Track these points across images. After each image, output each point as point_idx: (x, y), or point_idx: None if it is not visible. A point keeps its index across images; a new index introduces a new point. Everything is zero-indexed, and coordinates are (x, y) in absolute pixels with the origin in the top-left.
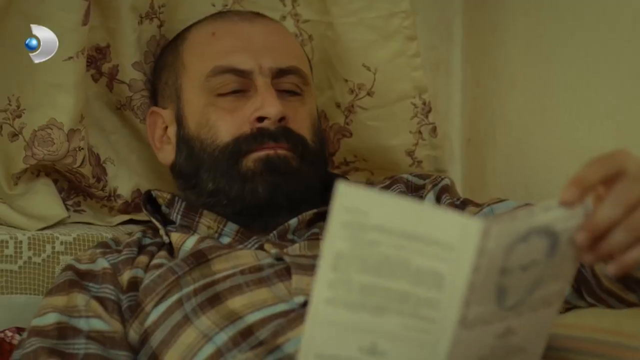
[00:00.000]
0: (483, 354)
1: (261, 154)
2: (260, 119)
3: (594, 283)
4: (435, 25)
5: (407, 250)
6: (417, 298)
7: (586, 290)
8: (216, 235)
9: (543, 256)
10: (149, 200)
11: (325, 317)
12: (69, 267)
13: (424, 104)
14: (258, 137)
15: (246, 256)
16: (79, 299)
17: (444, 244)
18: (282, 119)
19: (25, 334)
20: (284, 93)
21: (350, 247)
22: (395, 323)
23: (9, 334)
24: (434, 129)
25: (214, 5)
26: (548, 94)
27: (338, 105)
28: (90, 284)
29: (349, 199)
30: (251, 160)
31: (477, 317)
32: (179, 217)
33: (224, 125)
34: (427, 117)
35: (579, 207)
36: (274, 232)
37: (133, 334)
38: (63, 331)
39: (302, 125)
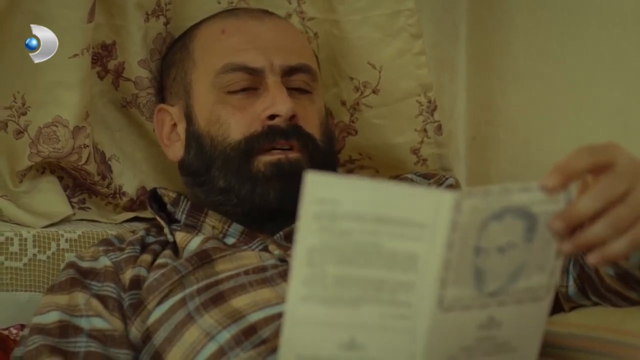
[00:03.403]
0: (466, 344)
1: (273, 158)
2: (272, 117)
3: (598, 282)
4: (440, 23)
5: (381, 235)
6: (394, 283)
7: (590, 288)
8: (221, 235)
9: (520, 239)
10: (154, 198)
11: (302, 316)
12: (71, 265)
13: (429, 102)
14: (270, 134)
15: (250, 257)
16: (80, 297)
17: (417, 223)
18: (292, 116)
19: (26, 331)
20: (293, 91)
21: (323, 239)
22: (373, 313)
23: (14, 331)
24: (439, 127)
25: (219, 3)
26: (553, 92)
27: (343, 103)
28: (93, 282)
29: (319, 189)
30: (262, 163)
31: (455, 299)
32: (183, 216)
33: (235, 122)
34: (432, 115)
35: (561, 193)
36: (281, 232)
37: (135, 332)
38: (65, 329)
39: (311, 123)
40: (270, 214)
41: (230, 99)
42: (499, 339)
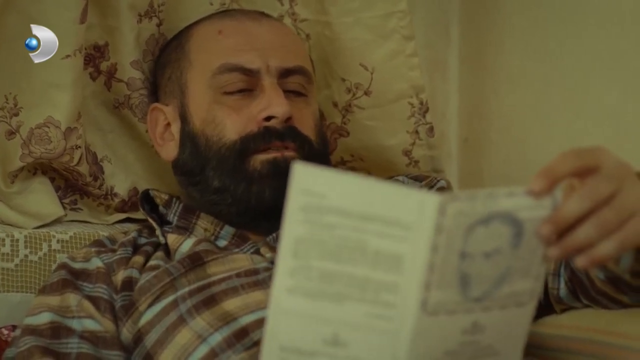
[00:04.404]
0: (450, 349)
1: (269, 156)
2: (268, 119)
3: (588, 285)
4: (433, 24)
5: (366, 233)
6: (377, 283)
7: (581, 291)
8: (212, 237)
9: (507, 245)
10: (146, 200)
11: (287, 307)
12: (63, 266)
13: (421, 103)
14: (265, 135)
15: (242, 260)
16: (72, 299)
17: (402, 223)
18: (288, 118)
19: (18, 332)
20: (289, 94)
21: (309, 231)
22: (356, 311)
23: (5, 332)
24: (431, 129)
25: (211, 4)
26: (546, 93)
27: (335, 105)
28: (85, 284)
29: (306, 180)
30: (259, 161)
31: (439, 303)
32: (175, 218)
33: (231, 123)
34: (424, 116)
35: (547, 198)
36: (274, 234)
37: (126, 333)
38: (56, 331)
39: (306, 125)
40: (264, 213)
41: (226, 99)
42: (483, 343)
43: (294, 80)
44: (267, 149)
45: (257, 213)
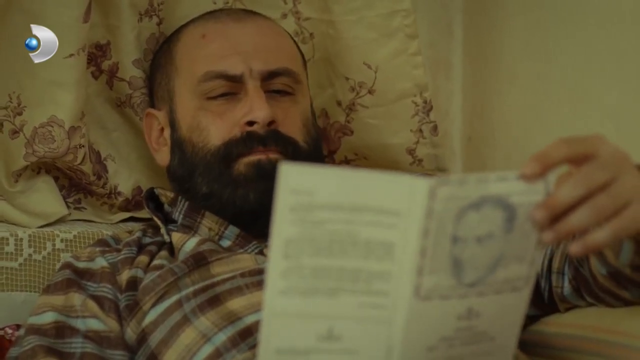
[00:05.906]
0: (445, 335)
1: (253, 158)
2: (250, 123)
3: (592, 281)
4: (436, 23)
5: (356, 224)
6: (370, 272)
7: (585, 289)
8: (217, 237)
9: (500, 230)
10: (151, 198)
11: (281, 309)
12: (67, 265)
13: (425, 102)
14: (247, 141)
15: (246, 260)
16: (76, 298)
17: (392, 211)
18: (271, 122)
19: (22, 331)
20: (274, 94)
21: (299, 230)
22: (350, 303)
23: (9, 331)
24: (435, 128)
25: (215, 3)
26: (548, 92)
27: (339, 104)
28: (89, 283)
29: (294, 180)
30: (243, 164)
31: (432, 288)
32: (180, 216)
33: (215, 129)
34: (427, 115)
35: (540, 183)
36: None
37: (130, 333)
38: (61, 330)
39: (293, 126)
40: (253, 215)
41: (210, 105)
42: (478, 328)
43: (278, 82)
44: (250, 154)
45: (246, 216)
